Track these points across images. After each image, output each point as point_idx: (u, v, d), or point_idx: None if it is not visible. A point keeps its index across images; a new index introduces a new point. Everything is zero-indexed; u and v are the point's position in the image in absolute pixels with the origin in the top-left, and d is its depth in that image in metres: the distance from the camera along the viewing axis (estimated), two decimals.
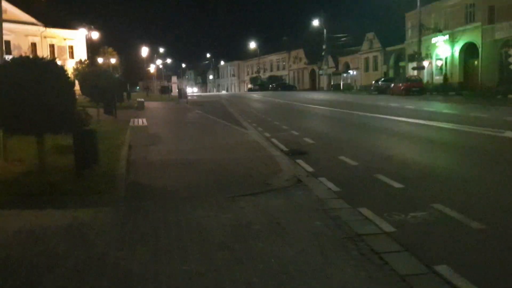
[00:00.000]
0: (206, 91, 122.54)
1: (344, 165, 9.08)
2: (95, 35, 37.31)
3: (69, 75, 7.34)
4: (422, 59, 44.04)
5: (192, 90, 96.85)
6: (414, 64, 54.29)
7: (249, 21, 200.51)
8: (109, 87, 16.44)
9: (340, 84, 68.20)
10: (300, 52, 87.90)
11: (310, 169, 8.72)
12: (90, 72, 16.34)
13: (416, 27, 52.21)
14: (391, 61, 61.49)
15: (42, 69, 6.84)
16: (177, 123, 18.76)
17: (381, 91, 44.73)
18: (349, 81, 70.97)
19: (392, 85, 40.61)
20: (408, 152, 10.56)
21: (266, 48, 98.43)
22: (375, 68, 65.55)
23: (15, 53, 69.61)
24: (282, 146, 11.98)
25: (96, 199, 6.03)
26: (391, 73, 60.70)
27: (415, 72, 51.49)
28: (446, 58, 46.13)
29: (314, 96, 47.31)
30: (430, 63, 47.86)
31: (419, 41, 42.93)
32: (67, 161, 7.64)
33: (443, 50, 46.21)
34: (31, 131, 6.89)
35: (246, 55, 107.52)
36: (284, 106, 31.77)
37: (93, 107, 17.54)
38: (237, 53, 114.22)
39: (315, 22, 69.42)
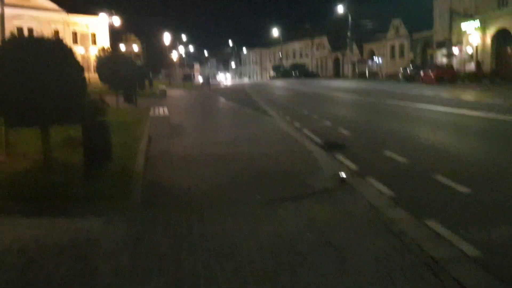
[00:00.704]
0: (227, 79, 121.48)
1: (391, 162, 7.93)
2: (116, 20, 36.37)
3: (78, 59, 6.34)
4: (453, 46, 42.04)
5: (224, 77, 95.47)
6: (443, 51, 52.36)
7: (271, 8, 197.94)
8: (129, 74, 15.53)
9: (365, 72, 66.31)
10: (324, 40, 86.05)
11: (352, 166, 7.61)
12: (108, 58, 15.44)
13: (445, 13, 50.25)
14: (418, 48, 59.37)
15: (47, 51, 5.87)
16: (200, 112, 17.78)
17: (409, 79, 43.00)
18: (374, 68, 68.99)
19: (422, 72, 38.85)
20: (463, 147, 9.35)
21: (289, 35, 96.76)
22: (401, 56, 63.49)
23: None
24: (316, 138, 10.88)
25: (106, 206, 5.03)
26: (418, 61, 58.69)
27: (444, 60, 49.71)
28: (477, 45, 44.07)
29: (340, 84, 45.86)
30: (460, 50, 45.84)
31: (450, 27, 40.98)
32: (78, 157, 6.67)
33: (474, 37, 44.08)
34: (34, 123, 5.95)
35: (268, 43, 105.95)
36: (310, 94, 30.54)
37: (113, 95, 16.69)
38: (260, 41, 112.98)
39: (340, 9, 67.37)
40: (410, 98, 21.33)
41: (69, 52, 6.17)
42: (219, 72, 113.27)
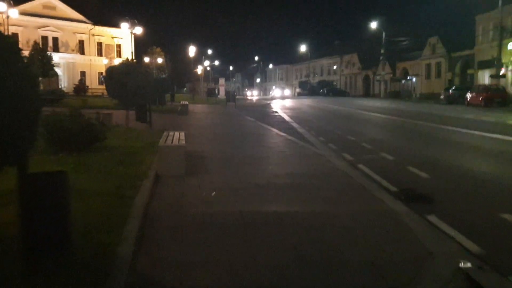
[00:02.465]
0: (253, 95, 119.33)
1: None
2: (139, 30, 34.26)
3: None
4: (500, 66, 38.65)
5: (251, 93, 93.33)
6: (486, 72, 48.93)
7: (299, 25, 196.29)
8: (143, 88, 12.93)
9: (398, 92, 63.06)
10: (354, 57, 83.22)
11: (473, 245, 4.72)
12: (117, 68, 12.85)
13: (489, 31, 46.95)
14: (457, 68, 55.99)
15: None
16: (225, 136, 15.02)
17: (451, 100, 39.69)
18: (407, 88, 65.62)
19: (469, 94, 35.55)
20: None
21: (316, 52, 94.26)
22: (438, 76, 60.15)
23: (62, 50, 69.01)
24: (383, 182, 7.99)
25: None
26: (456, 81, 55.27)
27: (487, 81, 46.28)
28: None
29: (374, 103, 42.79)
30: (506, 71, 42.38)
31: (500, 45, 37.64)
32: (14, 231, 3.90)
33: None
34: None
35: (295, 59, 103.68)
36: (346, 115, 27.61)
37: (122, 110, 14.18)
38: (286, 57, 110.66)
39: (373, 25, 64.54)
40: (470, 125, 18.25)
41: (11, 48, 3.47)
42: (245, 88, 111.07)
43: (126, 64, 13.20)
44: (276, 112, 30.49)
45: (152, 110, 25.79)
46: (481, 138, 14.51)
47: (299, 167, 9.00)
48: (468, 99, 34.99)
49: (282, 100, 55.64)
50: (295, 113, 29.47)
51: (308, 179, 7.75)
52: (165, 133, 9.49)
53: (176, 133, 9.53)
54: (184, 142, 8.09)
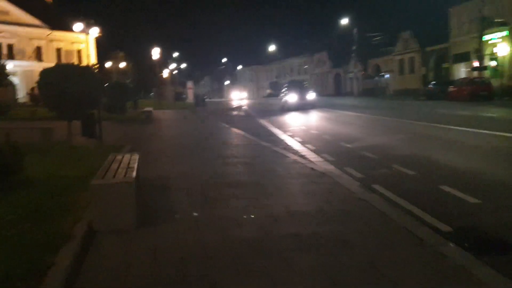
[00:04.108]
0: (222, 97, 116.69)
1: None
2: (95, 31, 31.23)
3: None
4: (481, 58, 37.14)
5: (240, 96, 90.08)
6: (462, 66, 47.66)
7: (267, 23, 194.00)
8: (88, 94, 10.21)
9: (371, 89, 61.43)
10: (324, 55, 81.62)
11: None
12: (53, 71, 9.97)
13: (464, 23, 45.66)
14: (431, 63, 54.71)
15: None
16: (196, 150, 12.35)
17: (431, 96, 37.98)
18: (381, 85, 64.13)
19: (451, 89, 33.84)
20: None
21: (286, 51, 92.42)
22: (412, 71, 58.85)
23: (18, 57, 64.70)
24: (425, 216, 5.56)
25: None
26: (431, 76, 53.97)
27: (463, 74, 44.97)
28: (503, 57, 39.21)
29: (351, 102, 40.76)
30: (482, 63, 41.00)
31: (480, 37, 36.09)
32: None
33: (501, 48, 39.23)
34: None
35: (265, 60, 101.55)
36: (326, 116, 25.30)
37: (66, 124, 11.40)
38: (256, 58, 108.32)
39: (344, 21, 62.78)
40: (477, 123, 16.12)
41: None
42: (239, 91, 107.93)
43: (64, 66, 10.42)
44: (251, 115, 27.96)
45: (110, 119, 23.04)
46: (495, 136, 12.35)
47: (304, 200, 6.45)
48: (451, 94, 33.24)
49: (251, 103, 53.14)
50: (270, 115, 27.02)
51: (325, 225, 5.22)
52: (109, 157, 6.81)
53: (127, 156, 6.87)
54: (134, 173, 5.43)
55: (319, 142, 13.43)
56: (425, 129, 15.67)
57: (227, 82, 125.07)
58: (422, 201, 6.32)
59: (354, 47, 62.15)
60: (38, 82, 10.33)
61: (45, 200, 5.57)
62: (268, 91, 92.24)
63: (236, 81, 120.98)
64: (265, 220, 5.34)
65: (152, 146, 12.67)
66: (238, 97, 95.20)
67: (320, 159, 10.35)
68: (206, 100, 39.72)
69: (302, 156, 10.66)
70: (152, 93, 75.63)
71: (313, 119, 23.04)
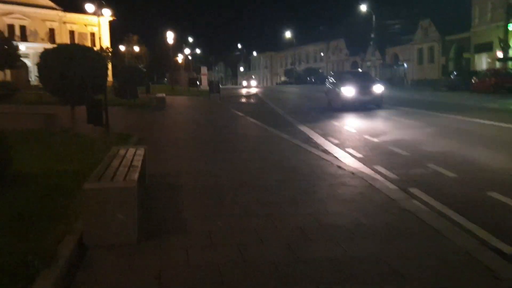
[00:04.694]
0: (236, 84, 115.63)
1: None
2: (107, 13, 30.32)
3: None
4: (506, 49, 35.57)
5: (247, 83, 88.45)
6: (484, 56, 46.00)
7: (283, 10, 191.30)
8: (93, 77, 9.34)
9: (389, 78, 59.88)
10: (341, 42, 79.96)
11: None
12: (55, 52, 9.08)
13: (488, 12, 43.92)
14: (452, 53, 52.99)
15: None
16: (211, 142, 11.41)
17: (453, 87, 36.59)
18: (399, 74, 62.51)
19: (474, 80, 32.46)
20: None
21: (302, 38, 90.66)
22: (431, 61, 57.18)
23: (31, 39, 64.16)
24: (481, 233, 4.63)
25: None
26: (450, 66, 52.34)
27: (484, 65, 43.41)
28: None
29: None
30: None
31: (506, 26, 34.53)
32: None
33: None
34: None
35: (280, 46, 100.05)
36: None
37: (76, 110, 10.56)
38: (271, 44, 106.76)
39: (363, 8, 60.99)
40: (505, 116, 14.98)
41: None
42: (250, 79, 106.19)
43: (66, 46, 9.53)
44: (265, 103, 26.95)
45: (120, 104, 22.22)
46: None
47: (336, 207, 5.52)
48: (474, 85, 31.87)
49: (265, 90, 52.05)
50: (286, 104, 25.98)
51: (366, 245, 4.30)
52: (111, 151, 5.93)
53: (131, 150, 5.98)
54: (137, 174, 4.54)
55: (349, 139, 12.46)
56: (455, 123, 14.57)
57: (241, 68, 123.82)
58: (472, 212, 5.38)
59: (372, 35, 60.41)
60: (38, 64, 9.47)
61: (31, 203, 4.71)
62: (283, 78, 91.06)
63: (250, 67, 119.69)
64: (292, 235, 4.43)
65: (162, 136, 11.80)
66: (253, 84, 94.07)
67: (346, 154, 9.38)
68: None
69: (324, 149, 9.72)
70: (165, 78, 74.92)
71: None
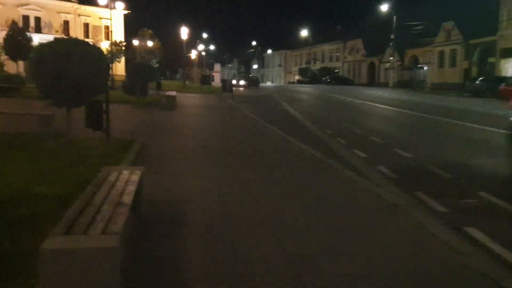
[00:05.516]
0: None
1: None
2: (120, 5, 29.20)
3: None
4: None
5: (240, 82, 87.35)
6: (510, 61, 44.17)
7: (300, 7, 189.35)
8: (92, 77, 8.11)
9: (408, 81, 58.08)
10: (358, 43, 78.14)
11: None
12: (50, 47, 7.82)
13: None
14: (475, 57, 51.12)
15: None
16: (224, 152, 10.13)
17: (477, 93, 34.95)
18: (418, 77, 60.66)
19: (503, 87, 30.81)
20: None
21: (317, 37, 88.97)
22: (452, 64, 55.32)
23: (45, 31, 63.37)
24: None
25: None
26: (473, 71, 50.50)
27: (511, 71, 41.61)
28: None
29: (389, 95, 37.89)
30: None
31: None
32: None
33: None
34: None
35: (295, 44, 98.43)
36: (373, 111, 22.82)
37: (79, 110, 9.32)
38: (285, 42, 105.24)
39: (383, 8, 59.24)
40: None
41: None
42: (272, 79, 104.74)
43: (65, 41, 8.28)
44: (280, 104, 25.60)
45: (128, 102, 21.06)
46: None
47: (387, 263, 4.22)
48: (502, 92, 30.21)
49: (280, 89, 50.62)
50: (303, 106, 24.64)
51: None
52: (100, 175, 4.67)
53: (124, 175, 4.72)
54: (123, 220, 3.27)
55: (381, 153, 11.13)
56: (498, 137, 13.14)
57: (254, 66, 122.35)
58: None
59: (392, 36, 58.65)
60: (30, 61, 8.29)
61: None
62: (297, 77, 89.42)
63: (264, 65, 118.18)
64: None
65: (169, 142, 10.55)
66: (268, 83, 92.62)
67: (378, 175, 8.03)
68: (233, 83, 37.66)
69: (355, 169, 8.37)
70: (178, 74, 73.86)
71: None
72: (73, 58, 7.99)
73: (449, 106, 25.78)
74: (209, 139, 11.36)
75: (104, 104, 9.39)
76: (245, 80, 62.23)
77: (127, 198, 3.86)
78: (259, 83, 62.88)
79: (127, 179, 4.63)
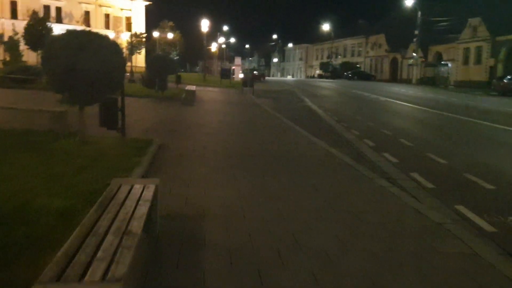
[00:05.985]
0: (269, 75, 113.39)
1: None
2: None
3: None
4: None
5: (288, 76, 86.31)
6: None
7: (322, 2, 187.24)
8: (106, 74, 7.55)
9: (432, 78, 56.64)
10: (381, 38, 76.65)
11: None
12: (61, 40, 7.26)
13: None
14: (502, 54, 49.52)
15: None
16: (244, 156, 9.48)
17: (505, 92, 33.70)
18: (442, 74, 59.09)
19: None
20: None
21: (339, 31, 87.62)
22: (478, 62, 53.73)
23: (66, 21, 63.40)
24: None
25: None
26: (500, 68, 48.95)
27: None
28: None
29: (414, 92, 36.78)
30: None
31: None
32: None
33: None
34: None
35: (316, 38, 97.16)
36: (399, 110, 21.97)
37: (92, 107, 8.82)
38: (307, 36, 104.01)
39: (408, 3, 57.75)
40: None
41: None
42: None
43: (78, 33, 7.73)
44: (303, 101, 24.85)
45: (147, 96, 20.58)
46: None
47: None
48: None
49: (301, 84, 49.70)
50: (328, 103, 23.85)
51: None
52: (110, 188, 4.10)
53: (136, 190, 4.14)
54: (130, 256, 2.69)
55: (431, 169, 10.39)
56: None
57: (275, 59, 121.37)
58: None
59: (416, 32, 57.19)
60: (41, 55, 7.76)
61: None
62: (318, 71, 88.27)
63: (285, 58, 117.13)
64: None
65: (188, 143, 9.97)
66: (288, 77, 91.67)
67: (414, 184, 7.31)
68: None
69: (403, 188, 7.67)
70: (197, 67, 73.44)
71: None
72: (86, 52, 7.43)
73: (478, 106, 24.74)
74: (230, 140, 10.75)
75: (119, 102, 8.86)
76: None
77: (137, 226, 3.26)
78: (264, 77, 64.15)
79: (139, 196, 4.04)
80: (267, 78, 67.39)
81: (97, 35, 7.98)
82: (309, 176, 7.42)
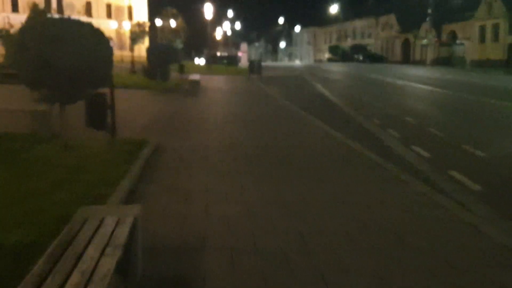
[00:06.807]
0: (276, 60, 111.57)
1: None
2: None
3: None
4: None
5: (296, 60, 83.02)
6: None
7: None
8: (89, 68, 6.32)
9: (448, 58, 54.64)
10: (391, 18, 74.62)
11: None
12: (35, 28, 6.04)
13: None
14: None
15: None
16: (251, 157, 8.19)
17: None
18: (458, 54, 57.09)
19: None
20: None
21: (348, 13, 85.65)
22: (495, 39, 51.71)
23: (67, 12, 61.94)
24: None
25: None
26: None
27: None
28: None
29: (431, 74, 35.14)
30: None
31: None
32: None
33: None
34: None
35: (324, 21, 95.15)
36: (419, 94, 20.59)
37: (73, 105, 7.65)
38: (314, 19, 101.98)
39: None
40: None
41: None
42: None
43: (55, 21, 6.49)
44: (314, 87, 23.47)
45: (148, 87, 19.33)
46: None
47: None
48: None
49: (309, 68, 48.15)
50: (341, 89, 22.46)
51: None
52: (66, 230, 2.87)
53: (106, 227, 2.92)
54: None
55: (432, 144, 9.11)
56: None
57: (282, 44, 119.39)
58: None
59: (429, 10, 55.18)
60: (12, 46, 6.55)
61: None
62: (327, 55, 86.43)
63: (292, 43, 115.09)
64: None
65: (188, 142, 8.74)
66: (296, 61, 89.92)
67: (454, 188, 6.01)
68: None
69: (442, 192, 6.40)
70: (202, 55, 71.85)
71: None
72: (62, 43, 6.20)
73: (504, 86, 23.21)
74: (236, 136, 9.49)
75: (108, 98, 7.63)
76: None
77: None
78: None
79: (107, 238, 2.82)
80: (266, 64, 62.75)
81: (76, 22, 6.73)
82: (331, 182, 6.15)
